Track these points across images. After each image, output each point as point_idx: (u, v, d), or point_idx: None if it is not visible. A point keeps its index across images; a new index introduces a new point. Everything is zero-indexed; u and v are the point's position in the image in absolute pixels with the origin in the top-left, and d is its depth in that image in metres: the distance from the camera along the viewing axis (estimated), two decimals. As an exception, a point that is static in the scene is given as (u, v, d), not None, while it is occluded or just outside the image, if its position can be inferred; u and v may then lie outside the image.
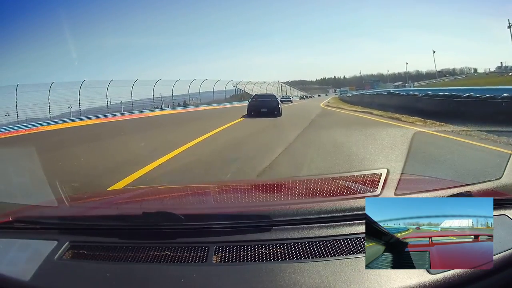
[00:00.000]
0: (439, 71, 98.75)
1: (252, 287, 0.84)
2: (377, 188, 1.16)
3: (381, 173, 1.25)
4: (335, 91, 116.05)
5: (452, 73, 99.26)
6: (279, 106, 15.56)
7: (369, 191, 1.19)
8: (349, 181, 1.45)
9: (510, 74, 67.13)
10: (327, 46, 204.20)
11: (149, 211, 1.09)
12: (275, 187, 1.60)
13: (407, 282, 0.81)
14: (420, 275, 0.82)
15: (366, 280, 0.82)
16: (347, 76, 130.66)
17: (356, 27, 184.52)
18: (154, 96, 34.62)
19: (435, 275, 0.82)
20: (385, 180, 1.20)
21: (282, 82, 75.40)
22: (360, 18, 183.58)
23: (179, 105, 36.97)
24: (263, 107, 15.12)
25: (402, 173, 1.62)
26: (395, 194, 1.12)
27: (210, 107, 33.47)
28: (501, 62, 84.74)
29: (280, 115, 14.79)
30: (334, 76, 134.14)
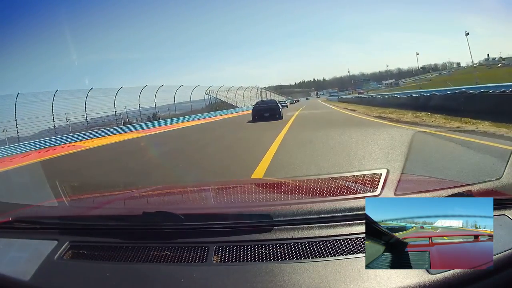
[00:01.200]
0: (421, 67, 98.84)
1: (252, 287, 0.84)
2: (377, 188, 1.16)
3: (381, 173, 1.25)
4: (317, 94, 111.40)
5: (434, 68, 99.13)
6: (280, 110, 17.08)
7: (369, 191, 1.19)
8: (349, 181, 1.45)
9: (498, 65, 67.05)
10: (303, 49, 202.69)
11: (149, 211, 1.09)
12: (275, 187, 1.60)
13: (407, 282, 0.81)
14: (420, 275, 0.82)
15: (366, 280, 0.82)
16: (326, 78, 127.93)
17: (331, 30, 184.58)
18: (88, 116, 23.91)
19: (435, 275, 0.82)
20: (385, 180, 1.20)
21: (261, 88, 68.30)
22: (334, 22, 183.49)
23: (148, 119, 29.61)
24: (266, 112, 16.71)
25: (402, 173, 1.62)
26: (395, 194, 1.12)
27: (164, 126, 23.87)
28: (488, 54, 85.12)
29: (281, 118, 15.93)
30: (314, 79, 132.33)
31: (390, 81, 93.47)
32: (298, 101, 76.80)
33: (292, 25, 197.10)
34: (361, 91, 75.67)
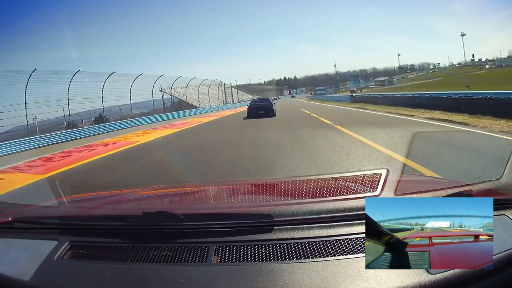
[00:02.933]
0: (400, 67, 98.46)
1: (252, 287, 0.84)
2: (377, 188, 1.16)
3: (381, 173, 1.25)
4: (290, 93, 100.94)
5: (412, 68, 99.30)
6: (274, 108, 18.11)
7: (369, 191, 1.19)
8: (349, 181, 1.45)
9: (486, 66, 66.60)
10: (272, 49, 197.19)
11: (149, 211, 1.09)
12: (275, 187, 1.60)
13: (406, 282, 0.81)
14: (420, 275, 0.82)
15: (366, 280, 0.82)
16: (298, 77, 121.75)
17: (300, 31, 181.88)
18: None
19: (435, 275, 0.82)
20: (385, 180, 1.20)
21: (225, 83, 52.74)
22: (303, 22, 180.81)
23: (96, 121, 22.39)
24: (261, 109, 17.81)
25: (402, 173, 1.62)
26: (395, 194, 1.12)
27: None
28: (473, 55, 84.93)
29: (275, 116, 16.80)
30: (285, 77, 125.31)
31: (383, 78, 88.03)
32: (277, 99, 59.88)
33: (262, 25, 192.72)
34: (354, 89, 68.30)
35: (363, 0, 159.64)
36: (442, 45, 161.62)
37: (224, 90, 52.09)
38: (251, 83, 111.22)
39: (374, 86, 79.89)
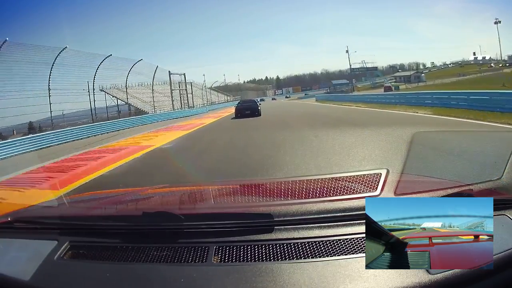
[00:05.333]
0: (391, 66, 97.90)
1: (252, 287, 0.84)
2: (377, 188, 1.16)
3: (381, 173, 1.25)
4: (275, 93, 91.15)
5: (402, 68, 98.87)
6: (259, 108, 19.64)
7: (369, 191, 1.19)
8: (349, 181, 1.45)
9: (492, 65, 65.34)
10: (255, 50, 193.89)
11: (149, 211, 1.09)
12: (275, 187, 1.60)
13: (407, 282, 0.81)
14: (420, 275, 0.82)
15: (366, 280, 0.82)
16: (281, 77, 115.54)
17: (276, 31, 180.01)
18: None
19: (435, 275, 0.82)
20: (385, 180, 1.20)
21: (180, 74, 35.15)
22: (279, 23, 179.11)
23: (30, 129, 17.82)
24: (247, 110, 19.19)
25: (402, 173, 1.62)
26: (395, 194, 1.12)
27: None
28: (474, 53, 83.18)
29: (260, 115, 18.18)
30: (266, 77, 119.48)
31: (408, 73, 73.97)
32: (263, 99, 52.19)
33: (243, 28, 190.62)
34: (389, 85, 55.23)
35: (345, 3, 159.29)
36: (422, 47, 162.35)
37: (171, 86, 32.65)
38: (228, 83, 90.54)
39: (396, 83, 64.22)
